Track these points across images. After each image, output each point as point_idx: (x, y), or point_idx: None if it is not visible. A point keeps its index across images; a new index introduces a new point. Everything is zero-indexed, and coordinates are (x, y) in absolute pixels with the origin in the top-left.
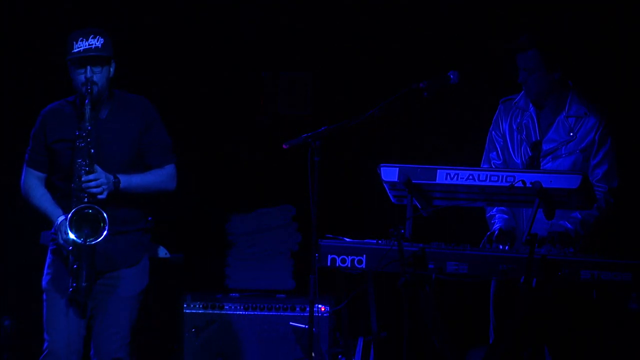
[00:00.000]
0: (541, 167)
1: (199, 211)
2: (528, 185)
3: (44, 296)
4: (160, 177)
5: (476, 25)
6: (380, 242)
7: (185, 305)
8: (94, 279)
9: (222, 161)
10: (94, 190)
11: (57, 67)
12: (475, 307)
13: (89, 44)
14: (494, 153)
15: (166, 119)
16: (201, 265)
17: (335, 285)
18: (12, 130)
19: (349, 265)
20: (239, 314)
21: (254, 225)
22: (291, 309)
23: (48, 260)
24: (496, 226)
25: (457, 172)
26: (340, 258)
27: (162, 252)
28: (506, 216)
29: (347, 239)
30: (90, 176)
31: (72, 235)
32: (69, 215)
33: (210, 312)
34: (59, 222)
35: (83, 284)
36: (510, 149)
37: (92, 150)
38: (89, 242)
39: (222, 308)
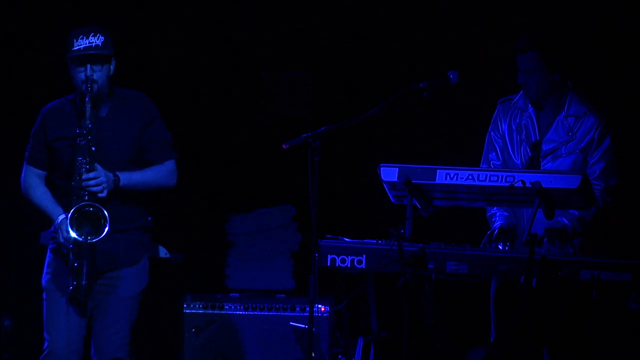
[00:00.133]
0: (541, 167)
1: (199, 211)
2: (528, 185)
3: (44, 295)
4: (160, 173)
5: (476, 25)
6: (380, 242)
7: (185, 305)
8: (95, 277)
9: (222, 161)
10: (95, 188)
11: (57, 66)
12: (475, 307)
13: (89, 42)
14: (493, 154)
15: (166, 119)
16: (201, 265)
17: (335, 285)
18: (12, 130)
19: (349, 265)
20: (239, 314)
21: (254, 225)
22: (291, 309)
23: (48, 260)
24: (496, 224)
25: (457, 172)
26: (340, 258)
27: (162, 252)
28: (507, 214)
29: (347, 239)
30: (91, 174)
31: (73, 233)
32: (70, 213)
33: (210, 312)
34: (59, 221)
35: (83, 282)
36: (510, 150)
37: (93, 148)
38: (89, 240)
39: (222, 308)
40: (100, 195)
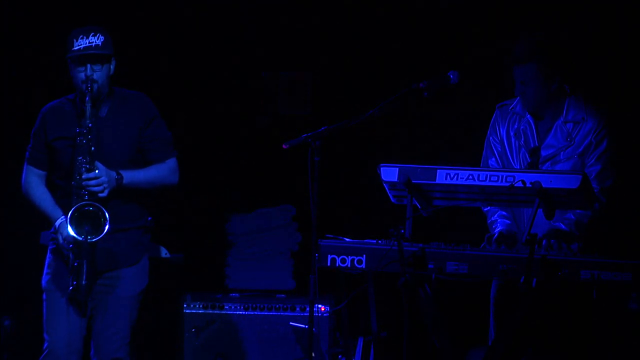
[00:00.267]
0: None
1: (199, 211)
2: (528, 185)
3: (44, 296)
4: (162, 171)
5: (476, 25)
6: (380, 242)
7: (185, 305)
8: (95, 277)
9: (222, 161)
10: (95, 188)
11: (57, 66)
12: (475, 307)
13: (89, 42)
14: (493, 159)
15: (166, 119)
16: (201, 265)
17: (335, 285)
18: (12, 130)
19: (349, 265)
20: (239, 314)
21: (254, 225)
22: (291, 309)
23: (48, 260)
24: (497, 230)
25: (457, 172)
26: (340, 258)
27: (162, 252)
28: (508, 221)
29: (347, 239)
30: (91, 174)
31: (72, 233)
32: (70, 212)
33: (210, 312)
34: (58, 224)
35: (83, 282)
36: (509, 155)
37: (93, 148)
38: (89, 239)
39: (222, 308)
40: (100, 195)
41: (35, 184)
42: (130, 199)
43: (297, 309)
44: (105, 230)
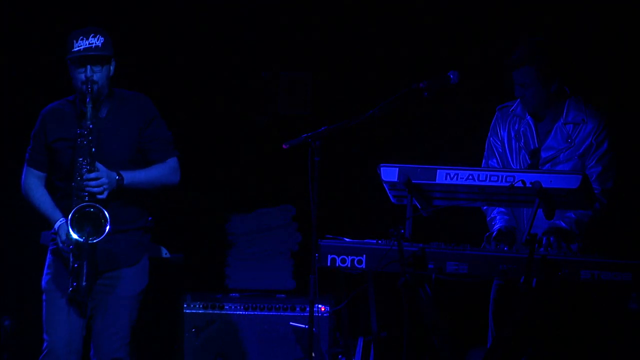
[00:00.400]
0: None
1: (199, 211)
2: (528, 185)
3: (44, 296)
4: (163, 171)
5: (477, 25)
6: (380, 242)
7: (185, 305)
8: (94, 278)
9: (222, 161)
10: (95, 189)
11: (57, 66)
12: (475, 307)
13: (89, 43)
14: (494, 160)
15: (166, 119)
16: (201, 265)
17: (335, 285)
18: (12, 131)
19: (349, 265)
20: (239, 314)
21: (254, 225)
22: (291, 309)
23: (48, 261)
24: (496, 227)
25: (457, 172)
26: (340, 258)
27: (163, 252)
28: (507, 217)
29: (347, 239)
30: (92, 175)
31: (74, 234)
32: (71, 214)
33: (210, 312)
34: (57, 227)
35: (83, 283)
36: (509, 157)
37: (93, 149)
38: (90, 240)
39: (222, 308)
40: (99, 196)
41: (35, 185)
42: (130, 200)
43: (297, 309)
44: (106, 231)
